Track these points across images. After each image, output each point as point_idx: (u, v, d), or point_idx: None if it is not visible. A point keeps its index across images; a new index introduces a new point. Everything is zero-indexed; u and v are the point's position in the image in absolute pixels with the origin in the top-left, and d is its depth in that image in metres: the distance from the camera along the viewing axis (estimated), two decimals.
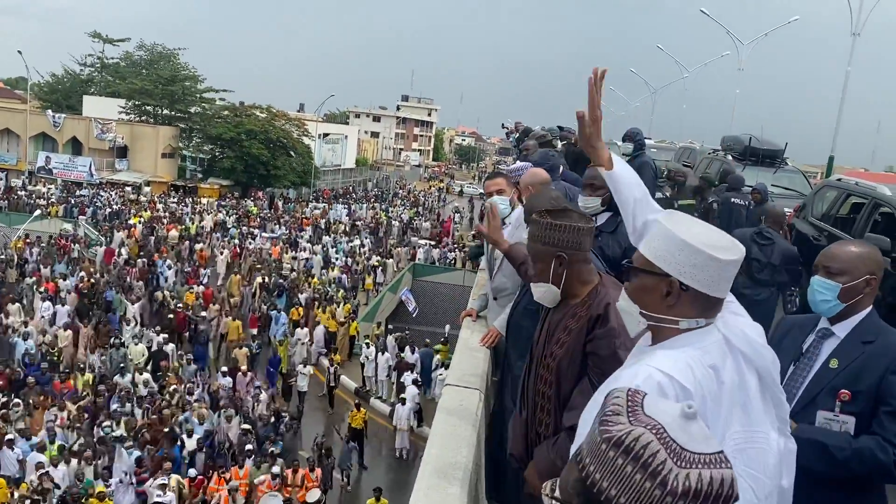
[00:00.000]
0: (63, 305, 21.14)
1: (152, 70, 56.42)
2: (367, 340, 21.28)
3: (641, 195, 2.35)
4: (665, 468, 0.95)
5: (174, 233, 32.52)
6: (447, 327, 27.97)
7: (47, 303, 21.12)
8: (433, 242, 36.57)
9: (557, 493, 1.11)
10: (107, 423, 13.88)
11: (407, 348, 20.96)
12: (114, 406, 14.98)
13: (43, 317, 20.52)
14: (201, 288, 24.44)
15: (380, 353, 20.57)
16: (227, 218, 38.21)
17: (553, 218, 2.60)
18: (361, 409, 17.66)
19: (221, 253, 29.70)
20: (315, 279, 27.19)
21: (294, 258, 30.43)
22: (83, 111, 54.75)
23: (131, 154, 50.68)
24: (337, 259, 31.03)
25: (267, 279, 26.07)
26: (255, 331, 21.81)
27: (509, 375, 3.39)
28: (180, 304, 22.01)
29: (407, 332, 24.27)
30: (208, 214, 38.38)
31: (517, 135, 14.96)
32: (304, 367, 19.44)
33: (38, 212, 34.46)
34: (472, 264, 34.30)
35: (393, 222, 41.41)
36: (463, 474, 2.46)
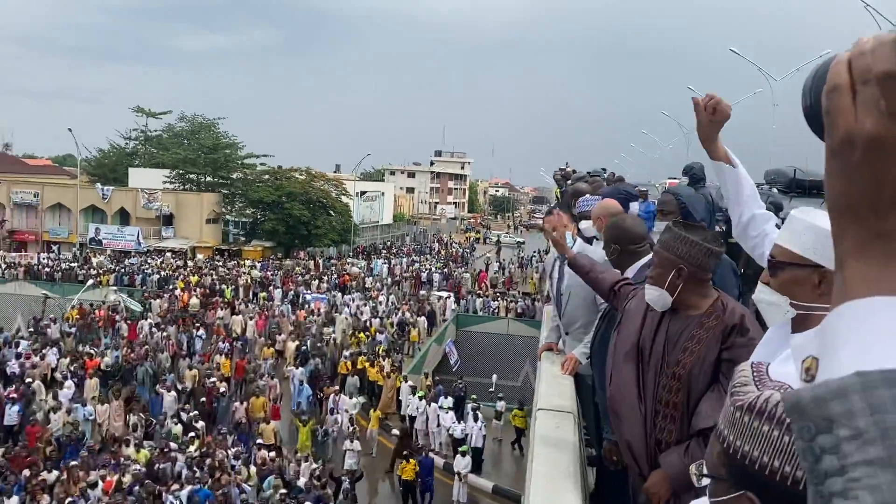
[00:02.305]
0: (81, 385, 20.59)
1: (194, 140, 58.33)
2: (420, 392, 21.22)
3: (752, 191, 2.52)
4: None
5: (195, 300, 31.52)
6: (494, 377, 27.85)
7: (69, 381, 20.47)
8: (446, 294, 35.58)
9: (705, 470, 1.18)
10: (175, 486, 14.02)
11: (448, 398, 20.98)
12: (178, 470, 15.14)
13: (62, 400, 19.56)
14: (221, 358, 23.72)
15: (428, 406, 20.55)
16: (262, 277, 38.32)
17: (684, 230, 2.72)
18: (411, 460, 17.55)
19: (251, 319, 28.61)
20: (362, 334, 27.25)
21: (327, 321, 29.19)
22: (129, 183, 56.64)
23: (177, 221, 52.13)
24: (366, 321, 29.80)
25: (299, 343, 25.27)
26: (277, 422, 19.57)
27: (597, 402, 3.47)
28: (212, 380, 21.16)
29: (461, 381, 24.25)
30: (246, 276, 38.50)
31: (560, 179, 15.17)
32: (352, 441, 18.00)
33: (90, 282, 35.45)
34: (516, 313, 34.33)
35: (434, 274, 41.51)
36: None
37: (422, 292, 36.92)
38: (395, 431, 20.18)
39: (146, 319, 28.44)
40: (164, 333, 26.13)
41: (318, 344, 25.91)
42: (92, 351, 23.95)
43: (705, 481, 1.18)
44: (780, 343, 1.86)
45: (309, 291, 35.15)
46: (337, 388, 21.70)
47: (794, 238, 1.85)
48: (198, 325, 27.63)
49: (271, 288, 35.85)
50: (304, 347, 25.03)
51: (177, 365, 23.83)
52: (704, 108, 2.46)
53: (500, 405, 21.55)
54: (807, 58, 32.88)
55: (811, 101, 1.03)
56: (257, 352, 25.67)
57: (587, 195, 5.27)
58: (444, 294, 35.44)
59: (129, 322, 28.10)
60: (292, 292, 34.72)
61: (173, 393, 20.53)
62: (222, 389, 20.72)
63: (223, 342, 25.62)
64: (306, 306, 31.69)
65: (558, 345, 4.62)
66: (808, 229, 1.82)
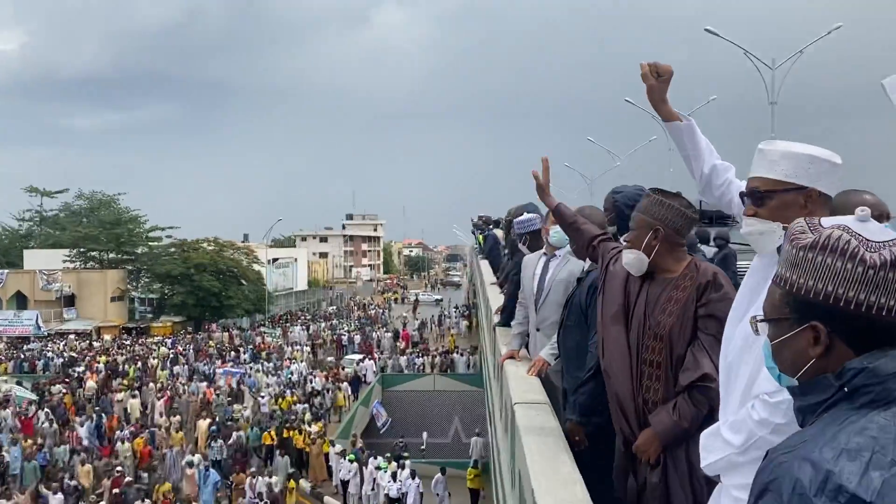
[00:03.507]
0: None
1: (93, 216, 56.32)
2: (351, 456, 20.57)
3: (707, 145, 2.56)
4: (860, 250, 1.13)
5: (91, 383, 29.35)
6: (424, 435, 27.43)
7: None
8: (361, 357, 34.70)
9: (761, 316, 1.25)
10: None
11: (378, 458, 20.40)
12: None
13: None
14: (124, 445, 21.50)
15: (363, 467, 20.00)
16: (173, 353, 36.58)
17: (662, 196, 2.87)
18: None
19: (158, 400, 26.52)
20: (284, 402, 26.27)
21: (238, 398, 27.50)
22: (24, 265, 53.87)
23: (79, 301, 49.72)
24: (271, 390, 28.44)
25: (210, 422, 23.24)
26: None
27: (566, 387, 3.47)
28: (119, 469, 19.05)
29: (402, 441, 23.65)
30: (153, 357, 35.93)
31: (481, 225, 15.41)
32: None
33: None
34: (440, 368, 34.09)
35: (355, 336, 40.88)
36: (580, 488, 2.55)
37: (329, 359, 35.90)
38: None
39: (42, 409, 25.83)
40: (69, 424, 24.09)
41: (229, 422, 24.03)
42: None
43: (762, 328, 1.26)
44: (767, 270, 1.93)
45: (218, 365, 33.35)
46: (253, 470, 19.88)
47: (772, 167, 1.97)
48: (99, 410, 25.30)
49: (175, 366, 33.67)
50: (214, 427, 22.93)
51: (72, 460, 21.16)
52: (650, 73, 2.54)
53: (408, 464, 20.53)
54: (697, 104, 34.93)
55: None
56: (161, 436, 23.10)
57: (524, 215, 5.49)
58: (359, 356, 34.53)
59: (21, 416, 25.14)
60: (205, 366, 33.12)
61: (60, 495, 18.00)
62: (128, 479, 18.72)
63: (123, 429, 23.27)
64: (214, 382, 29.78)
65: (520, 351, 4.69)
66: (784, 156, 1.95)
